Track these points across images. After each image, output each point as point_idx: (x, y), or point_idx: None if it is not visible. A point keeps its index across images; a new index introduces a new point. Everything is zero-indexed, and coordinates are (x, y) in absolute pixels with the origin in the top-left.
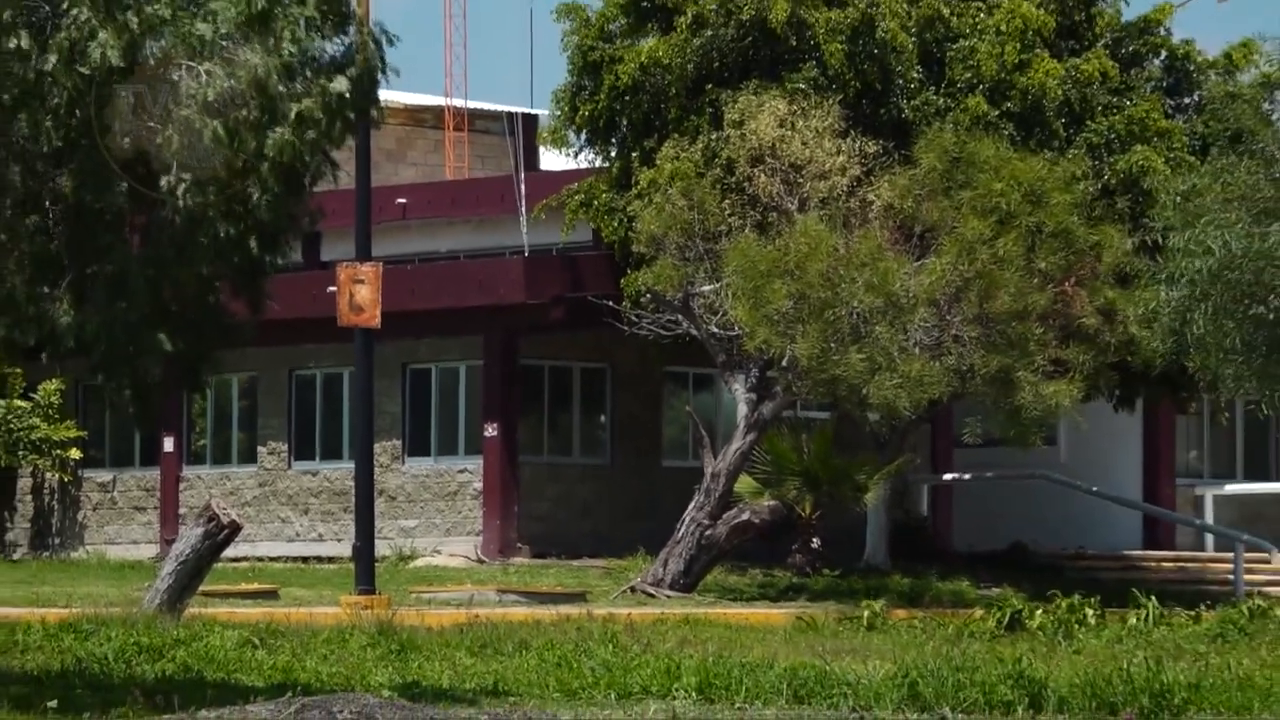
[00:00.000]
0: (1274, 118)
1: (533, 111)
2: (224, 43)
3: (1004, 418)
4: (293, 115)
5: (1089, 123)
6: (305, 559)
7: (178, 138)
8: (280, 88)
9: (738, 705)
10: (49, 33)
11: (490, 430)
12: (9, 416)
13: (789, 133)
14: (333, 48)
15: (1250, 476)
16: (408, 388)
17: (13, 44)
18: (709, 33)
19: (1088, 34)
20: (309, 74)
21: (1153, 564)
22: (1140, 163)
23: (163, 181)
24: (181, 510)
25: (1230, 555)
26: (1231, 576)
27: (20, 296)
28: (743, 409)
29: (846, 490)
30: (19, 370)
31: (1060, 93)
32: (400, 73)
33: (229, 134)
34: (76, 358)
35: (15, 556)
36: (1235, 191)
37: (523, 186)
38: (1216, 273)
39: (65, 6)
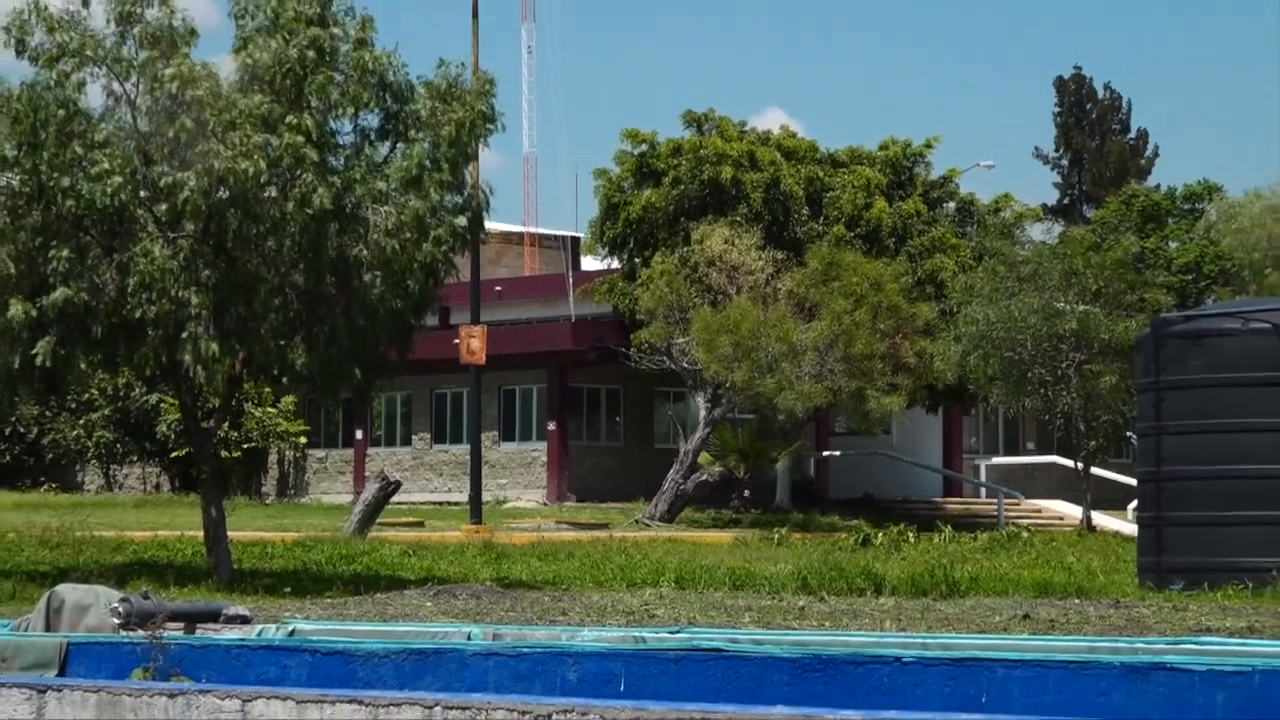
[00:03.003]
0: (1022, 238)
1: (576, 234)
2: (394, 193)
3: (859, 418)
4: (431, 238)
5: (909, 241)
6: (440, 504)
7: (367, 251)
8: (428, 220)
9: (700, 590)
10: (288, 188)
11: (551, 425)
12: (263, 418)
13: (730, 247)
14: (458, 197)
15: (1007, 453)
16: (501, 400)
17: (267, 194)
18: (682, 187)
19: (909, 186)
20: (443, 213)
21: (949, 506)
22: (939, 265)
23: (358, 275)
24: (366, 474)
25: (995, 501)
26: (996, 514)
27: (271, 348)
28: (702, 413)
29: (765, 461)
30: (270, 390)
31: (890, 222)
32: (496, 209)
33: (398, 247)
34: (303, 383)
35: (267, 502)
36: (995, 283)
37: (570, 280)
38: (983, 333)
39: (298, 172)
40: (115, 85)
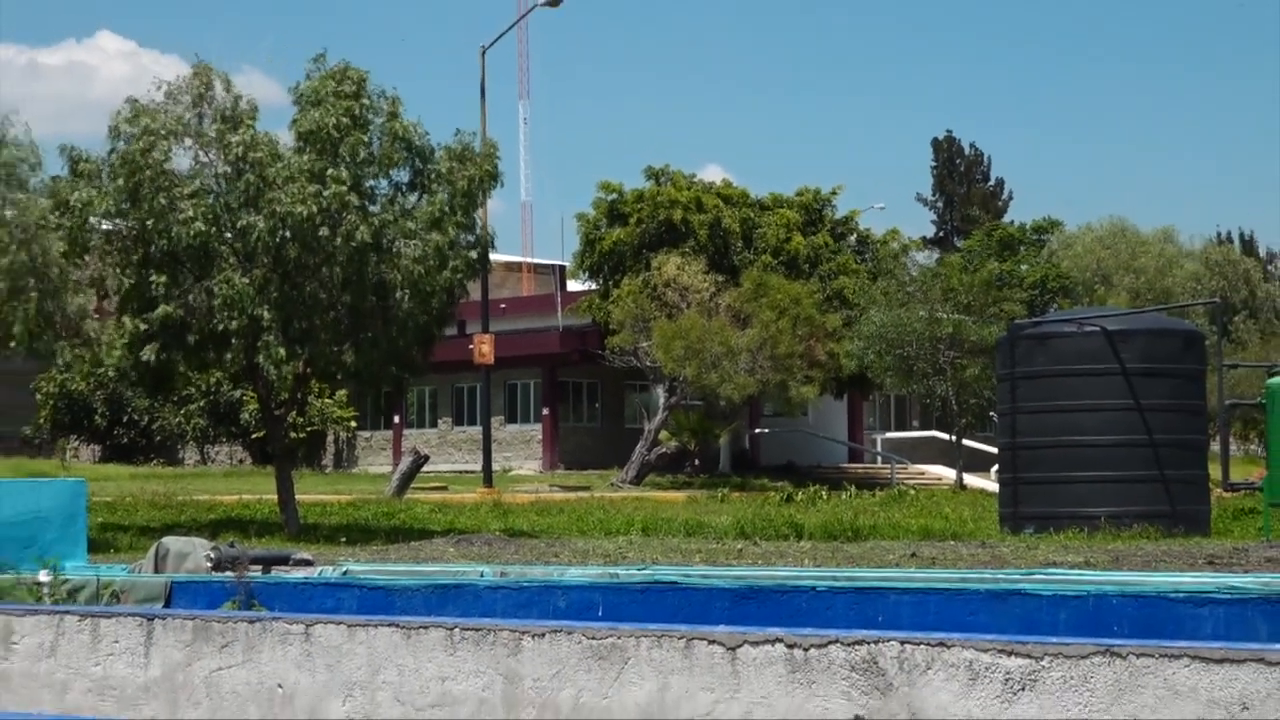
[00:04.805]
0: (908, 263)
1: (563, 263)
2: (420, 232)
3: (783, 402)
4: (449, 266)
5: (819, 266)
6: (460, 472)
7: (398, 275)
8: (447, 252)
9: (661, 537)
10: (336, 227)
11: (545, 411)
12: (322, 407)
13: (681, 272)
14: (470, 236)
15: (897, 428)
16: (506, 392)
17: (321, 233)
18: (644, 226)
19: (819, 224)
20: (460, 246)
21: (853, 471)
22: (843, 285)
23: (393, 295)
24: (402, 450)
25: (888, 466)
26: (889, 476)
27: (327, 352)
28: (662, 400)
29: (710, 437)
30: (327, 385)
31: (805, 252)
32: (501, 245)
33: (423, 273)
34: (351, 379)
35: (325, 472)
36: (889, 296)
37: (559, 298)
38: (878, 334)
39: (344, 214)
40: (199, 153)
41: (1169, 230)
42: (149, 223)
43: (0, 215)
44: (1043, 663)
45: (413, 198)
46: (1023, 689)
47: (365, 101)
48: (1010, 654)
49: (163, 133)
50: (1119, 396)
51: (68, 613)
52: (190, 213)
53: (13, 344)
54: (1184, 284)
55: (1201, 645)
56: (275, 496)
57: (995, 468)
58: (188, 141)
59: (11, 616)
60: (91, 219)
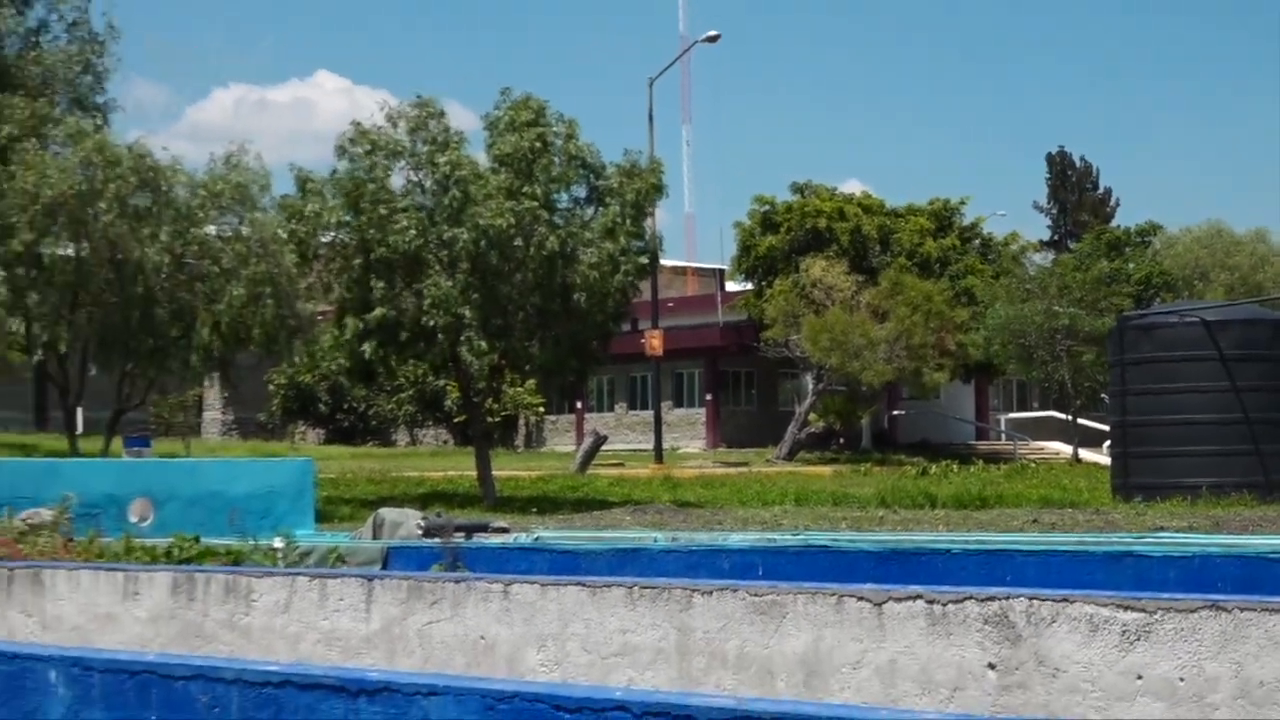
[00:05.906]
0: (1026, 263)
1: (722, 266)
2: (596, 240)
3: (918, 387)
4: (621, 270)
5: (949, 266)
6: (634, 451)
7: (578, 279)
8: (619, 259)
9: (811, 506)
10: (529, 237)
11: (708, 396)
12: (515, 394)
13: (826, 274)
14: (640, 243)
15: (1019, 409)
16: (673, 380)
17: (515, 243)
18: (793, 233)
19: (949, 229)
20: (630, 254)
21: (980, 447)
22: (970, 283)
23: (575, 296)
24: (584, 431)
25: (1011, 443)
26: (1012, 452)
27: (519, 347)
28: (810, 386)
29: (854, 418)
30: (518, 375)
31: (936, 254)
32: (667, 251)
33: (600, 276)
34: (539, 370)
35: (518, 451)
36: (1010, 293)
37: (719, 298)
38: (1002, 326)
39: (535, 226)
40: (410, 172)
41: (1262, 231)
42: (369, 232)
43: (237, 231)
44: (1155, 616)
45: (589, 210)
46: (1138, 639)
47: (554, 128)
48: (1127, 609)
49: (384, 152)
50: (1217, 379)
51: (299, 574)
52: (404, 223)
53: (253, 346)
54: (1275, 279)
55: None
56: (475, 473)
57: (1107, 443)
58: (401, 162)
59: (251, 578)
60: (319, 230)
